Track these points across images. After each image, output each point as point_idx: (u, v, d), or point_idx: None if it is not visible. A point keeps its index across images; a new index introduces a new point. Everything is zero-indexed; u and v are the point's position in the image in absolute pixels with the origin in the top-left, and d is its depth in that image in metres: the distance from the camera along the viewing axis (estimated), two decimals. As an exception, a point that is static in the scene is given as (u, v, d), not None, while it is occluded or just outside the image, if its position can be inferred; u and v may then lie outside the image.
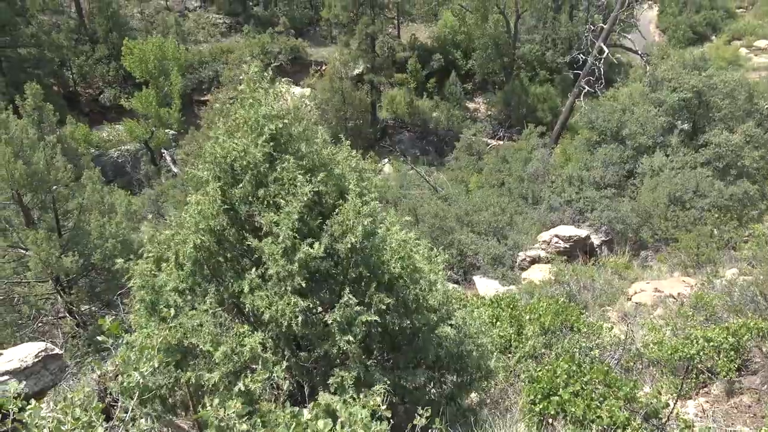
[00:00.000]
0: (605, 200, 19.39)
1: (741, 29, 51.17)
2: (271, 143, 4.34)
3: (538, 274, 17.03)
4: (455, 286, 16.31)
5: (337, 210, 4.43)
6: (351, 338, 4.09)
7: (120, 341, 4.18)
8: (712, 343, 7.90)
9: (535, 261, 18.36)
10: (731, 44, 48.83)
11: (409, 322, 4.50)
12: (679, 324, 9.25)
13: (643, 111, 23.29)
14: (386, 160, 38.99)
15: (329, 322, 4.18)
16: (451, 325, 4.97)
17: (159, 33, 39.52)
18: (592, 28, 30.70)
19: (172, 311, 4.17)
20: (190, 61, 39.04)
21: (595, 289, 14.84)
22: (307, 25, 46.97)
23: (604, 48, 27.38)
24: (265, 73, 4.61)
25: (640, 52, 33.54)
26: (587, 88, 27.71)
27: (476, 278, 18.35)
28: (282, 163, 4.28)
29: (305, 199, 4.16)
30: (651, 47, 43.24)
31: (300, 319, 4.05)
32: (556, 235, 18.39)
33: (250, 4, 46.47)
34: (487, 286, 17.37)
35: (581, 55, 30.61)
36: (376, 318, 4.26)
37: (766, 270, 12.30)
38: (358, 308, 4.20)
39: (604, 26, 29.22)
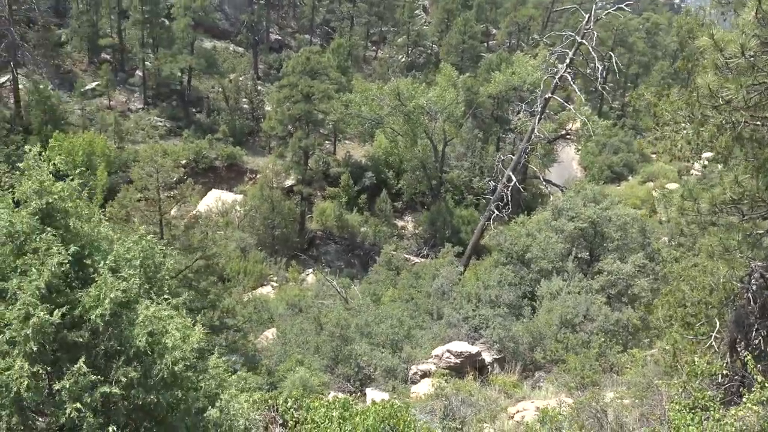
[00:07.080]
0: (498, 318, 19.94)
1: (654, 172, 55.40)
2: (36, 217, 4.62)
3: (427, 388, 17.08)
4: (344, 395, 16.10)
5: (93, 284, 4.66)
6: (80, 406, 4.18)
7: None
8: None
9: (426, 375, 18.40)
10: (645, 185, 52.62)
11: (154, 397, 4.61)
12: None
13: (545, 237, 24.66)
14: (310, 270, 39.22)
15: (57, 388, 4.27)
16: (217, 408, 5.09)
17: (97, 130, 40.06)
18: (503, 158, 33.03)
19: None
20: (124, 159, 39.41)
21: (476, 405, 14.93)
22: (248, 134, 48.48)
23: (512, 177, 29.37)
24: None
25: (558, 184, 35.93)
26: (496, 212, 29.34)
27: (368, 390, 18.22)
28: (43, 234, 4.55)
29: (53, 268, 4.39)
30: (571, 181, 46.22)
31: (25, 384, 4.14)
32: (448, 350, 18.60)
33: (193, 111, 47.93)
34: (375, 398, 17.23)
35: (492, 182, 32.68)
36: (116, 390, 4.38)
37: (633, 392, 12.82)
38: (93, 378, 4.31)
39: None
